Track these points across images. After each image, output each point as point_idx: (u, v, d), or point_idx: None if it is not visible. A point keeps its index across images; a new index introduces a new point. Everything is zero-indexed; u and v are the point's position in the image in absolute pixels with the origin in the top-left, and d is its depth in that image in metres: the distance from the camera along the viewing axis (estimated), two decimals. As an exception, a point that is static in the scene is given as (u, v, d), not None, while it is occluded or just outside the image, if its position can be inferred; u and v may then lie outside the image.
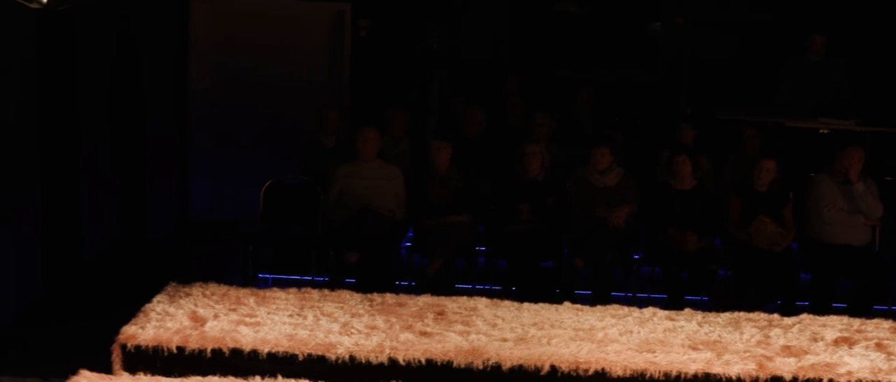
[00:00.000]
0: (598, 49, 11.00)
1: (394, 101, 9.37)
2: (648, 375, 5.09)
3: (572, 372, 5.08)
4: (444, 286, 7.20)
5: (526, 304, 6.01)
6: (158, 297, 5.82)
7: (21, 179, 7.25)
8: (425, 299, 6.03)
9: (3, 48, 6.88)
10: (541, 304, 6.03)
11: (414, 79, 10.02)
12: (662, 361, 5.16)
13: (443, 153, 7.79)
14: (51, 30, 7.58)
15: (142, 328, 5.29)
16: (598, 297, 7.19)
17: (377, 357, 5.13)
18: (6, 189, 7.01)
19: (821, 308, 6.96)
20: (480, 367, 5.09)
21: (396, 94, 9.92)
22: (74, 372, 4.78)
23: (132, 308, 5.68)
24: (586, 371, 5.09)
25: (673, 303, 7.06)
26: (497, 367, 5.10)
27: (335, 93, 10.21)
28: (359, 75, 10.19)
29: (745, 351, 5.31)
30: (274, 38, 10.27)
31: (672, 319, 5.82)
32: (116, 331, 5.27)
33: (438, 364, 5.11)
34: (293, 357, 5.13)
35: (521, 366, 5.09)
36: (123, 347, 5.19)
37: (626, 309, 6.00)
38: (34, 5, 6.23)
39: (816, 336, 5.56)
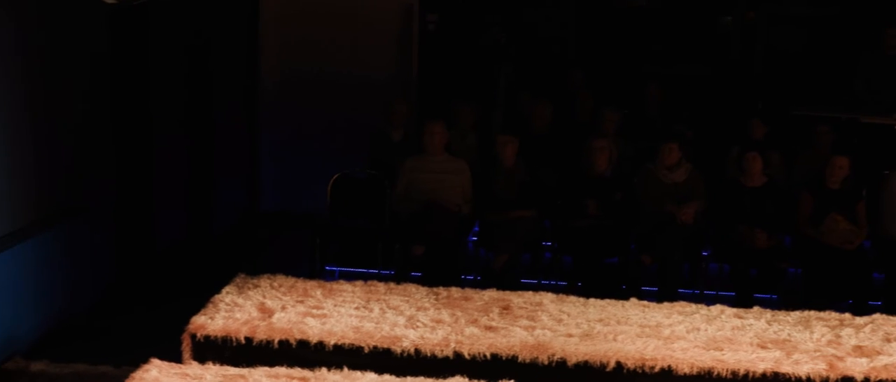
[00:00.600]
0: (667, 43, 10.89)
1: (461, 95, 9.37)
2: (715, 373, 5.03)
3: (638, 369, 5.05)
4: (509, 280, 7.19)
5: (592, 300, 5.98)
6: (227, 288, 5.89)
7: (96, 172, 7.40)
8: (491, 293, 6.02)
9: (77, 43, 7.02)
10: (607, 300, 5.99)
11: (481, 74, 10.00)
12: (730, 359, 5.10)
13: (509, 147, 7.78)
14: (123, 24, 7.71)
15: (211, 318, 5.36)
16: (664, 294, 7.13)
17: (442, 350, 5.14)
18: (81, 181, 7.16)
19: (894, 307, 6.82)
20: (545, 362, 5.08)
21: (464, 88, 9.92)
22: (145, 361, 4.85)
23: (201, 298, 5.76)
24: (652, 368, 5.05)
25: (741, 301, 6.97)
26: (562, 363, 5.08)
27: (403, 86, 10.24)
28: (426, 69, 10.21)
29: (815, 351, 5.23)
30: (342, 32, 10.32)
31: (740, 317, 5.75)
32: (186, 321, 5.34)
33: (503, 358, 5.11)
34: (359, 349, 5.16)
35: (586, 362, 5.07)
36: (193, 337, 5.27)
37: (693, 306, 5.94)
38: (108, 0, 6.34)
39: (890, 337, 5.45)
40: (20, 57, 6.30)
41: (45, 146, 6.66)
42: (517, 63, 10.44)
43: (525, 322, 5.51)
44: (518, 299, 5.91)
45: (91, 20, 7.24)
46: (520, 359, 5.10)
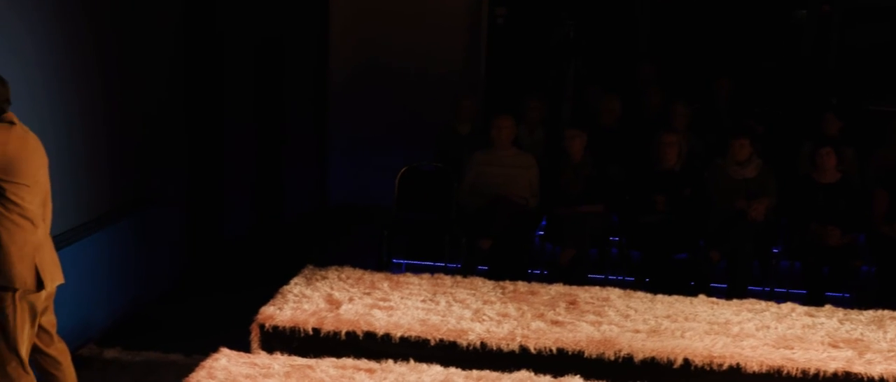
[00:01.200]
0: (739, 37, 10.73)
1: (529, 89, 9.34)
2: (785, 372, 4.96)
3: (706, 367, 4.99)
4: (576, 275, 7.16)
5: (659, 296, 5.93)
6: (296, 279, 5.96)
7: (168, 163, 7.52)
8: (557, 288, 6.01)
9: (152, 37, 7.13)
10: (675, 296, 5.94)
11: (550, 68, 9.96)
12: (800, 358, 5.02)
13: (577, 141, 7.74)
14: (197, 20, 7.82)
15: (279, 309, 5.42)
16: (734, 291, 7.04)
17: (508, 344, 5.13)
18: (154, 172, 7.28)
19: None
20: (612, 358, 5.05)
21: (532, 82, 9.89)
22: (215, 350, 4.91)
23: (270, 289, 5.83)
24: (721, 365, 4.99)
25: (813, 299, 6.88)
26: (629, 359, 5.04)
27: (471, 80, 10.25)
28: (495, 63, 10.20)
29: (888, 351, 5.13)
30: (411, 28, 10.36)
31: (812, 315, 5.66)
32: (255, 311, 5.41)
33: (569, 353, 5.09)
34: (425, 341, 5.18)
35: (653, 358, 5.03)
36: (262, 327, 5.33)
37: (763, 303, 5.87)
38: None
39: (966, 338, 5.33)
40: (97, 50, 6.43)
41: (121, 138, 6.79)
42: (586, 57, 10.38)
43: (592, 317, 5.49)
44: (585, 294, 5.89)
45: (166, 14, 7.36)
46: (586, 354, 5.07)
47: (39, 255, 4.49)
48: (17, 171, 4.39)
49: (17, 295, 4.42)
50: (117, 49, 6.68)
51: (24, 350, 4.48)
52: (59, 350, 4.81)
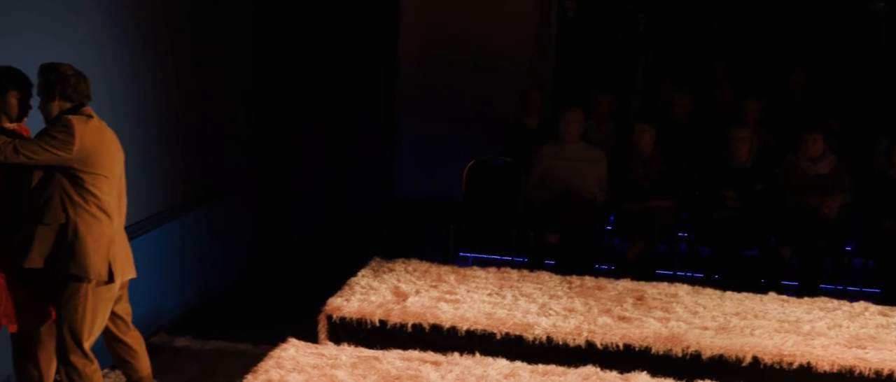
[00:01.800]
0: (815, 30, 10.54)
1: (598, 83, 9.28)
2: (857, 372, 4.87)
3: (776, 365, 4.92)
4: (644, 271, 7.11)
5: (729, 293, 5.86)
6: (363, 271, 5.99)
7: (240, 155, 7.62)
8: (625, 283, 5.97)
9: (225, 34, 7.23)
10: (744, 294, 5.87)
11: (620, 61, 9.89)
12: (873, 358, 4.92)
13: (647, 136, 7.67)
14: (269, 16, 7.91)
15: (347, 300, 5.46)
16: (805, 289, 6.93)
17: (574, 339, 5.11)
18: (226, 164, 7.37)
19: None
20: (679, 355, 5.00)
21: (601, 76, 9.82)
22: (283, 340, 4.96)
23: (338, 280, 5.87)
24: (791, 364, 4.91)
25: (887, 299, 6.73)
26: (696, 356, 4.99)
27: (540, 74, 10.21)
28: (564, 57, 10.15)
29: (965, 352, 5.00)
30: (481, 21, 10.35)
31: (885, 315, 5.55)
32: (323, 302, 5.45)
33: (636, 349, 5.05)
34: (491, 335, 5.18)
35: (721, 356, 4.97)
36: (329, 318, 5.37)
37: (835, 302, 5.77)
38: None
39: None
40: (173, 49, 6.54)
41: (194, 131, 6.89)
42: (657, 50, 10.28)
43: (659, 313, 5.44)
44: (653, 290, 5.84)
45: (239, 11, 7.45)
46: (653, 351, 5.03)
47: (113, 248, 4.58)
48: (94, 163, 4.48)
49: (91, 286, 4.51)
50: (192, 46, 6.79)
51: (89, 341, 4.57)
52: (135, 338, 4.90)
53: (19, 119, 4.62)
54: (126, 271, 4.70)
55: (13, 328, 4.61)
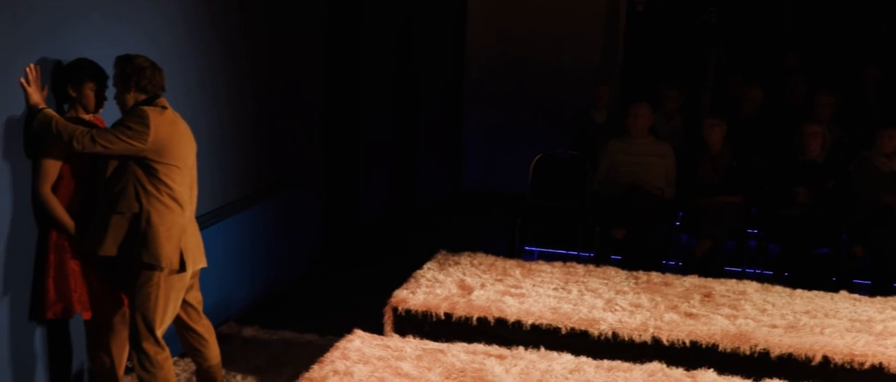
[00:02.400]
0: (890, 23, 10.32)
1: (667, 77, 9.20)
2: (931, 373, 4.77)
3: (846, 365, 4.83)
4: (712, 267, 7.03)
5: (798, 291, 5.77)
6: (429, 264, 6.01)
7: (307, 147, 7.69)
8: (692, 280, 5.91)
9: (295, 30, 7.30)
10: (815, 292, 5.78)
11: (690, 55, 9.78)
12: (948, 360, 4.82)
13: (716, 131, 7.58)
14: (338, 11, 7.97)
15: (412, 293, 5.48)
16: (878, 288, 6.81)
17: (640, 335, 5.08)
18: (294, 156, 7.45)
19: None
20: (747, 353, 4.94)
21: (670, 70, 9.73)
22: (349, 331, 5.00)
23: (404, 272, 5.90)
24: (862, 364, 4.82)
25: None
26: (765, 354, 4.92)
27: (608, 68, 10.15)
28: (633, 51, 10.08)
29: None
30: (549, 15, 10.33)
31: (961, 316, 5.42)
32: (388, 294, 5.48)
33: (703, 346, 5.00)
34: (556, 330, 5.16)
35: (790, 355, 4.90)
36: (395, 310, 5.40)
37: (909, 301, 5.65)
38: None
39: None
40: (245, 44, 6.63)
41: (265, 123, 6.98)
42: (728, 44, 10.15)
43: (727, 310, 5.38)
44: (720, 287, 5.78)
45: (309, 6, 7.51)
46: (720, 348, 4.98)
47: (185, 237, 4.65)
48: (168, 153, 4.56)
49: (163, 274, 4.59)
50: (265, 42, 6.88)
51: (161, 329, 4.65)
52: (205, 327, 4.97)
53: (96, 110, 4.72)
54: (197, 260, 4.77)
55: (87, 315, 4.71)
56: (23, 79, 4.48)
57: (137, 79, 4.56)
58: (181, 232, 4.63)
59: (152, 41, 5.47)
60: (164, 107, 4.61)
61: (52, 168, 4.55)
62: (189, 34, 5.98)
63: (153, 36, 5.53)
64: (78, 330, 5.03)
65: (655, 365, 4.71)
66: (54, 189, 4.58)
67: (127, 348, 4.99)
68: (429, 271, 5.86)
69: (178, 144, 4.62)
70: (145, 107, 4.54)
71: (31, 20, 4.57)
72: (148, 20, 5.52)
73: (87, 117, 4.69)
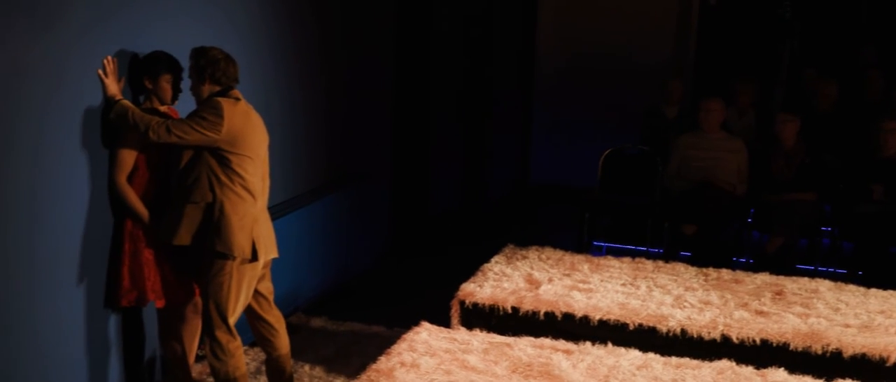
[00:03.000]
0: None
1: (740, 72, 9.08)
2: None
3: (922, 366, 4.74)
4: (784, 265, 6.93)
5: (873, 290, 5.66)
6: (496, 258, 6.01)
7: (378, 140, 7.73)
8: (763, 277, 5.83)
9: (368, 22, 7.35)
10: (890, 291, 5.66)
11: (763, 50, 9.64)
12: None
13: (790, 126, 7.47)
14: (409, 5, 8.00)
15: (480, 286, 5.49)
16: (957, 288, 6.64)
17: (709, 333, 5.02)
18: (364, 148, 7.50)
19: None
20: (819, 352, 4.86)
21: (744, 65, 9.60)
22: (416, 323, 5.02)
23: (471, 265, 5.90)
24: (938, 366, 4.72)
25: None
26: (837, 354, 4.84)
27: (680, 63, 10.05)
28: (705, 45, 9.97)
29: None
30: (621, 8, 10.25)
31: None
32: (456, 287, 5.49)
33: (774, 345, 4.93)
34: (624, 326, 5.13)
35: (863, 355, 4.80)
36: (462, 303, 5.40)
37: None
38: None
39: None
40: (318, 39, 6.69)
41: (337, 116, 7.04)
42: (803, 38, 9.98)
43: (799, 308, 5.30)
44: (792, 285, 5.69)
45: (379, 3, 7.57)
46: (791, 347, 4.90)
47: (257, 228, 4.71)
48: (241, 144, 4.62)
49: (235, 263, 4.65)
50: (337, 36, 6.93)
51: (233, 317, 4.72)
52: (276, 317, 5.03)
53: (172, 102, 4.79)
54: (269, 250, 4.82)
55: (160, 304, 4.79)
56: (100, 71, 4.57)
57: (212, 71, 4.63)
58: (253, 222, 4.69)
59: (228, 34, 5.55)
60: (237, 99, 4.68)
61: (128, 158, 4.64)
62: (265, 28, 6.05)
63: (229, 30, 5.61)
64: (151, 318, 5.13)
65: (724, 363, 4.65)
66: (130, 179, 4.67)
67: (198, 336, 5.07)
68: (496, 265, 5.86)
69: (251, 135, 4.68)
70: (219, 98, 4.61)
71: (112, 15, 4.66)
72: (224, 14, 5.60)
73: (162, 109, 4.77)
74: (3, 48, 4.05)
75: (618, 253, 6.90)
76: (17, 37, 4.11)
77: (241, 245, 4.63)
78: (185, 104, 4.84)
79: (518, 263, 5.91)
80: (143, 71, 4.73)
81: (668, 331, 5.07)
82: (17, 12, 4.11)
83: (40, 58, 4.25)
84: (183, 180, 4.63)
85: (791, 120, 7.49)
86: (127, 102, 4.57)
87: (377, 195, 7.77)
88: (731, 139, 7.68)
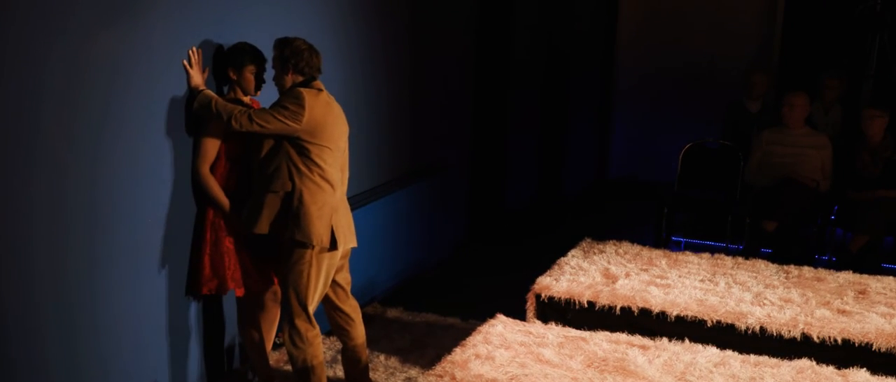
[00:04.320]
0: None
1: (827, 66, 8.89)
2: None
3: None
4: (868, 264, 6.79)
5: (962, 291, 5.52)
6: (573, 252, 5.99)
7: (457, 134, 7.75)
8: (846, 276, 5.72)
9: (451, 22, 7.38)
10: (979, 292, 5.51)
11: (851, 43, 9.43)
12: None
13: (877, 122, 7.30)
14: (491, 4, 8.01)
15: (556, 280, 5.47)
16: None
17: (789, 331, 4.94)
18: (445, 142, 7.53)
19: None
20: (903, 353, 4.76)
21: (830, 59, 9.40)
22: (492, 316, 5.02)
23: (548, 258, 5.89)
24: None
25: None
26: (922, 355, 4.74)
27: (764, 56, 9.88)
28: (791, 38, 9.79)
29: None
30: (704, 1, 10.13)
31: None
32: (532, 280, 5.48)
33: (856, 345, 4.83)
34: (702, 322, 5.07)
35: (950, 357, 4.70)
36: (538, 296, 5.39)
37: None
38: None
39: None
40: (405, 38, 6.74)
41: (418, 110, 7.08)
42: (893, 31, 9.74)
43: (883, 308, 5.19)
44: (877, 284, 5.57)
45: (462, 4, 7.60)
46: (874, 347, 4.80)
47: (336, 217, 4.76)
48: (321, 135, 4.66)
49: (314, 252, 4.70)
50: (422, 35, 6.98)
51: (312, 305, 4.77)
52: (352, 307, 5.08)
53: (255, 93, 4.86)
54: (348, 240, 4.87)
55: (240, 292, 4.87)
56: (185, 62, 4.66)
57: (295, 61, 4.68)
58: (332, 211, 4.73)
59: (313, 27, 5.61)
60: (319, 90, 4.73)
61: (211, 148, 4.72)
62: (354, 21, 6.11)
63: (314, 22, 5.67)
64: (230, 306, 5.22)
65: (805, 362, 4.57)
66: (212, 169, 4.75)
67: (276, 324, 5.14)
68: (573, 258, 5.84)
69: (332, 126, 4.73)
70: (301, 89, 4.66)
71: (197, 7, 4.74)
72: (309, 7, 5.66)
73: (245, 99, 4.84)
74: (97, 41, 4.15)
75: (696, 249, 6.82)
76: (109, 29, 4.21)
77: (320, 234, 4.67)
78: (269, 95, 4.90)
79: (595, 257, 5.88)
80: (228, 62, 4.80)
81: (747, 329, 5.00)
82: (109, 6, 4.21)
83: (127, 49, 4.34)
84: (263, 169, 4.69)
85: (879, 115, 7.32)
86: (210, 92, 4.65)
87: (455, 187, 7.79)
88: (815, 134, 7.54)
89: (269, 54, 4.81)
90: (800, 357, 4.66)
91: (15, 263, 3.92)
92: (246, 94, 4.84)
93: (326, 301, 5.02)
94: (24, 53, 3.82)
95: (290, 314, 4.75)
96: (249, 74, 4.78)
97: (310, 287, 4.71)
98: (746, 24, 10.03)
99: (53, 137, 4.01)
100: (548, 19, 9.24)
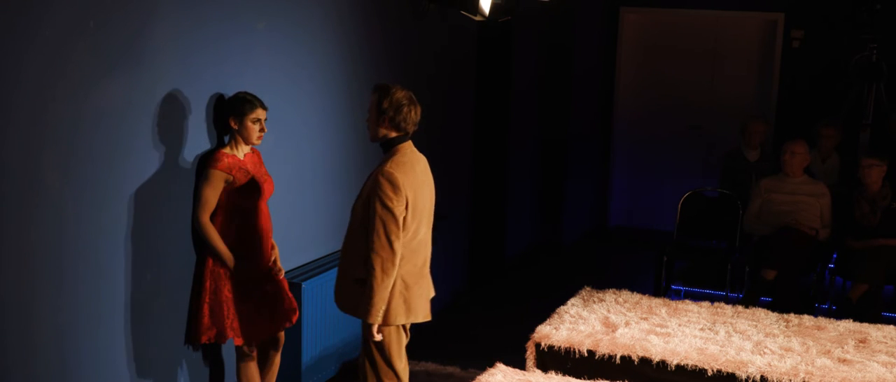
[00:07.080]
0: None
1: (824, 115, 8.95)
2: None
3: None
4: (868, 313, 6.78)
5: (962, 340, 5.51)
6: (573, 300, 5.98)
7: (457, 182, 7.77)
8: (847, 324, 5.71)
9: (452, 66, 7.42)
10: (980, 341, 5.50)
11: (848, 93, 9.49)
12: None
13: (875, 171, 7.33)
14: (489, 54, 8.06)
15: (555, 329, 5.46)
16: None
17: (790, 380, 4.92)
18: (445, 191, 7.53)
19: None
20: (905, 403, 4.74)
21: (827, 108, 9.46)
22: (491, 365, 5.01)
23: (547, 307, 5.88)
24: None
25: None
26: (924, 405, 4.72)
27: (761, 105, 9.95)
28: (788, 88, 9.86)
29: None
30: (701, 48, 10.20)
31: None
32: (531, 329, 5.47)
33: (857, 394, 4.82)
34: (702, 371, 5.06)
35: (952, 407, 4.68)
36: (537, 345, 5.38)
37: None
38: (477, 18, 6.63)
39: None
40: (404, 76, 6.77)
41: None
42: (889, 82, 9.80)
43: (884, 357, 5.18)
44: (877, 333, 5.57)
45: (464, 41, 7.63)
46: (875, 397, 4.79)
47: (409, 294, 4.63)
48: (410, 211, 4.49)
49: (391, 329, 4.62)
50: (420, 81, 6.99)
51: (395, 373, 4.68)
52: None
53: (256, 142, 4.83)
54: (418, 314, 4.71)
55: (238, 341, 4.85)
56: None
57: (393, 114, 4.42)
58: (405, 288, 4.57)
59: (312, 74, 5.63)
60: (411, 151, 4.51)
61: (212, 198, 4.71)
62: (353, 75, 6.12)
63: (311, 69, 5.69)
64: (229, 355, 5.20)
65: (806, 412, 4.56)
66: (211, 218, 4.75)
67: (275, 374, 5.12)
68: (573, 307, 5.83)
69: (420, 200, 4.52)
70: (393, 163, 4.42)
71: (195, 55, 4.77)
72: (310, 57, 5.68)
73: (246, 149, 4.83)
74: (99, 89, 4.18)
75: (696, 298, 6.81)
76: (110, 78, 4.24)
77: (395, 312, 4.53)
78: (269, 142, 4.90)
79: (595, 306, 5.88)
80: (228, 111, 4.79)
81: (748, 378, 4.98)
82: (109, 54, 4.24)
83: (127, 97, 4.36)
84: (348, 251, 4.53)
85: (877, 164, 7.35)
86: (376, 306, 4.44)
87: (455, 237, 7.79)
88: (813, 183, 7.56)
89: (269, 101, 4.81)
90: (801, 406, 4.65)
91: (18, 321, 3.92)
92: (247, 144, 4.83)
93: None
94: (27, 102, 3.85)
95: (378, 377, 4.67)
96: (251, 124, 4.76)
97: (389, 360, 4.70)
98: (744, 75, 10.10)
99: (55, 188, 4.03)
100: (546, 72, 9.30)
